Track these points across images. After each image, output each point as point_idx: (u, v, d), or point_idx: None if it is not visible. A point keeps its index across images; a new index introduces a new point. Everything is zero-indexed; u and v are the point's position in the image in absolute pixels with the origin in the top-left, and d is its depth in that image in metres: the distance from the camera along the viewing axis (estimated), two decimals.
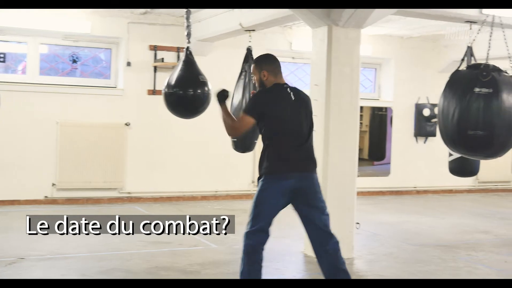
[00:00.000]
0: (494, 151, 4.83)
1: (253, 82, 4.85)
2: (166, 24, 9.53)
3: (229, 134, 4.75)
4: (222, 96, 4.72)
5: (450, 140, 5.00)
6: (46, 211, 8.31)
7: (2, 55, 9.17)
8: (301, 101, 4.63)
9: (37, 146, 8.95)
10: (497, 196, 11.78)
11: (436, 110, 11.19)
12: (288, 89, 4.62)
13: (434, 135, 11.21)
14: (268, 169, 4.48)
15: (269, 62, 4.67)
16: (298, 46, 10.26)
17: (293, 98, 4.57)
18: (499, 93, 4.75)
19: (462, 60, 5.75)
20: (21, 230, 7.17)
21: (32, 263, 5.74)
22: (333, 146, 6.24)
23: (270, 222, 4.55)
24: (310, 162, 4.56)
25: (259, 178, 4.55)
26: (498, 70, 4.89)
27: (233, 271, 5.67)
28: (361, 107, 8.48)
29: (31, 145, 8.94)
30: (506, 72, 4.94)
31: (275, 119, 4.46)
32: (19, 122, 8.86)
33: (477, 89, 4.80)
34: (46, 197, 8.99)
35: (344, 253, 6.15)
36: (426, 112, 11.29)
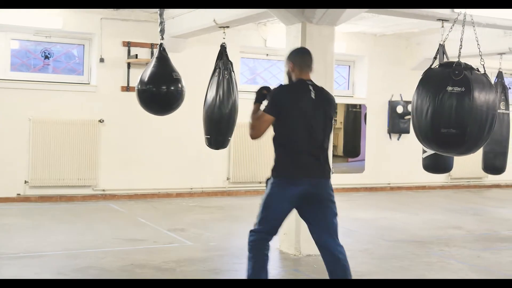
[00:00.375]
0: (467, 149, 4.89)
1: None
2: (139, 20, 9.47)
3: (250, 134, 4.44)
4: (260, 95, 4.42)
5: (424, 138, 5.05)
6: (19, 209, 8.21)
7: None
8: (322, 102, 4.35)
9: (9, 143, 8.83)
10: (469, 192, 11.94)
11: (409, 108, 11.33)
12: (311, 87, 4.36)
13: (407, 132, 11.32)
14: (277, 171, 4.31)
15: (298, 55, 4.48)
16: (273, 43, 10.27)
17: (313, 97, 4.30)
18: (471, 91, 4.81)
19: (435, 58, 5.80)
20: None
21: (5, 262, 5.67)
22: None
23: (277, 226, 4.35)
24: (322, 167, 4.28)
25: (268, 179, 4.36)
26: (470, 68, 4.95)
27: (209, 268, 5.67)
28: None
29: (3, 142, 8.82)
30: (478, 70, 5.00)
31: (290, 118, 4.23)
32: None
33: (449, 88, 4.85)
34: (18, 194, 8.88)
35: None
36: (400, 109, 11.39)
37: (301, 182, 4.20)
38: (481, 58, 5.43)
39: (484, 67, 5.17)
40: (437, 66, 5.24)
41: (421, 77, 5.19)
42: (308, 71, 4.43)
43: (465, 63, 5.00)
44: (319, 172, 4.26)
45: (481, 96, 4.83)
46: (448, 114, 4.81)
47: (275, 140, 4.37)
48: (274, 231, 4.36)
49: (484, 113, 4.83)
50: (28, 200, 8.95)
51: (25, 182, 8.94)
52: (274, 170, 4.33)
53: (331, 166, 4.38)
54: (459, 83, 4.84)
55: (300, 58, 4.45)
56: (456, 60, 4.97)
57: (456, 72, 4.88)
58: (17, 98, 8.89)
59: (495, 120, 4.94)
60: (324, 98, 4.40)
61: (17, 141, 8.90)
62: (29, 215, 8.03)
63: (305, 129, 4.23)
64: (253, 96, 10.96)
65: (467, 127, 4.78)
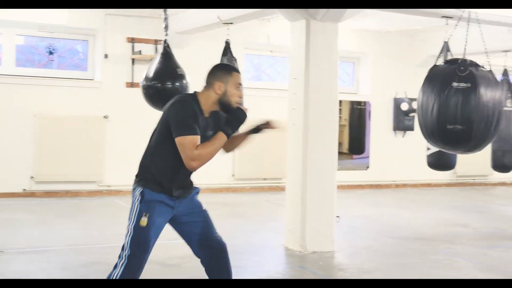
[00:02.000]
0: (473, 146, 4.88)
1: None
2: (143, 16, 9.46)
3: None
4: (257, 130, 3.99)
5: (430, 135, 5.04)
6: (25, 204, 8.22)
7: None
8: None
9: (14, 139, 8.85)
10: (475, 190, 11.92)
11: (414, 105, 11.31)
12: None
13: (412, 129, 11.30)
14: None
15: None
16: (277, 39, 10.25)
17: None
18: (477, 87, 4.79)
19: (439, 55, 5.79)
20: (0, 223, 7.14)
21: (11, 256, 5.68)
22: (312, 140, 6.24)
23: None
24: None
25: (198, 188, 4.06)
26: (475, 65, 4.94)
27: None
28: (340, 101, 8.52)
29: (8, 138, 8.84)
30: (483, 67, 4.99)
31: None
32: None
33: (455, 84, 4.84)
34: (24, 190, 8.90)
35: (325, 246, 6.25)
36: (404, 106, 11.37)
37: None
38: (487, 56, 5.42)
39: (489, 64, 5.15)
40: (443, 63, 5.23)
41: (426, 74, 5.18)
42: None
43: (470, 60, 4.99)
44: None
45: (487, 92, 4.82)
46: (454, 110, 4.79)
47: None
48: None
49: (491, 109, 4.81)
50: (34, 196, 8.97)
51: (31, 177, 8.96)
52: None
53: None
54: (465, 79, 4.83)
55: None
56: (460, 57, 4.96)
57: (462, 68, 4.87)
58: (22, 94, 8.91)
59: (502, 116, 4.93)
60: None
61: (23, 137, 8.91)
62: (35, 211, 8.04)
63: None
64: (258, 93, 10.91)
65: (473, 123, 4.77)
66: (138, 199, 3.72)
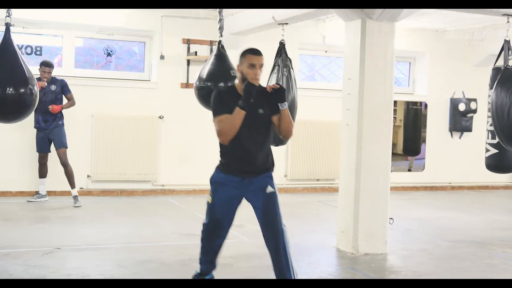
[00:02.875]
0: None
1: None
2: (199, 18, 9.56)
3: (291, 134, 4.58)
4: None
5: (507, 139, 4.88)
6: (81, 202, 8.42)
7: (38, 49, 9.32)
8: None
9: (72, 138, 9.04)
10: None
11: (472, 105, 11.06)
12: None
13: (470, 130, 11.06)
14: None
15: None
16: (332, 39, 10.19)
17: None
18: None
19: (499, 54, 5.63)
20: (57, 221, 7.33)
21: (67, 253, 5.83)
22: (367, 141, 6.19)
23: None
24: None
25: (271, 174, 4.57)
26: None
27: (265, 265, 5.66)
28: (395, 102, 8.39)
29: (67, 137, 9.05)
30: None
31: None
32: None
33: None
34: (81, 188, 9.11)
35: (378, 248, 6.18)
36: (462, 106, 11.13)
37: None
38: None
39: None
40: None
41: (499, 76, 5.02)
42: None
43: None
44: None
45: None
46: None
47: (269, 135, 4.56)
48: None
49: None
50: (90, 194, 9.18)
51: (88, 176, 9.17)
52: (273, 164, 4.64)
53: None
54: None
55: None
56: None
57: None
58: (81, 95, 9.11)
59: None
60: None
61: (80, 137, 9.13)
62: (91, 209, 8.23)
63: None
64: (312, 93, 10.84)
65: None
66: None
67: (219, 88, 4.51)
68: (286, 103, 4.36)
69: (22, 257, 5.58)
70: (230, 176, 4.42)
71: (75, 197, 8.38)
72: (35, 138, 8.48)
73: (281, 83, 6.94)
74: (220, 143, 4.43)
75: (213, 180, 4.51)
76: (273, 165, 4.58)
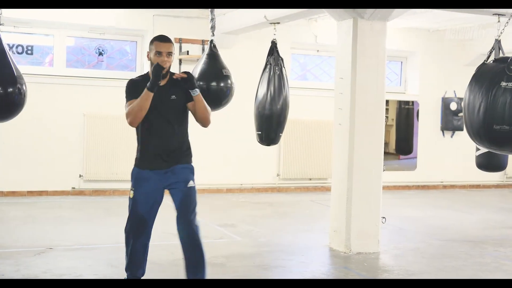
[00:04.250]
0: None
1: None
2: (191, 17, 9.54)
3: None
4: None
5: (476, 135, 4.92)
6: (73, 202, 8.39)
7: (29, 48, 9.27)
8: None
9: (64, 138, 9.04)
10: None
11: (463, 104, 11.09)
12: None
13: (461, 129, 11.08)
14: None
15: None
16: (323, 38, 10.20)
17: None
18: None
19: (490, 53, 5.65)
20: (49, 220, 7.31)
21: (60, 253, 5.81)
22: (359, 140, 6.20)
23: None
24: None
25: (192, 166, 4.53)
26: None
27: (258, 264, 5.68)
28: (387, 101, 8.42)
29: (58, 137, 9.04)
30: None
31: None
32: (47, 114, 8.96)
33: (503, 84, 4.71)
34: (73, 188, 9.09)
35: (370, 247, 6.19)
36: (453, 106, 11.18)
37: None
38: None
39: None
40: (492, 62, 5.11)
41: (474, 72, 5.07)
42: None
43: None
44: None
45: None
46: (502, 110, 4.68)
47: (186, 127, 4.61)
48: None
49: None
50: (82, 194, 9.15)
51: (80, 176, 9.15)
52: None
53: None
54: None
55: None
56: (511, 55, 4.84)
57: (511, 67, 4.74)
58: (72, 94, 9.10)
59: None
60: None
61: (72, 136, 9.10)
62: (83, 208, 8.21)
63: None
64: (304, 93, 10.85)
65: None
66: None
67: (132, 78, 4.50)
68: (197, 89, 4.35)
69: (14, 257, 5.55)
70: (151, 171, 4.38)
71: None
72: None
73: (273, 82, 6.93)
74: (137, 139, 4.48)
75: (134, 174, 4.46)
76: (191, 156, 4.55)
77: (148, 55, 4.41)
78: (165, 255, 5.84)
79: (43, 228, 6.91)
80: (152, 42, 4.40)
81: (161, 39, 4.39)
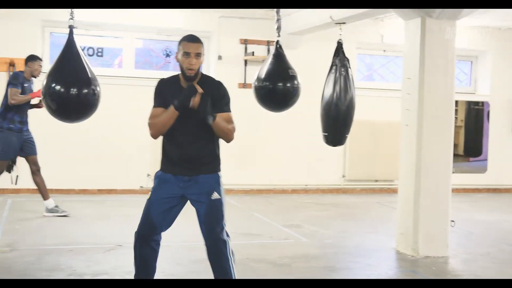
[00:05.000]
0: None
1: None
2: (256, 18, 9.58)
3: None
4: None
5: None
6: (141, 201, 8.54)
7: (99, 50, 9.54)
8: None
9: (133, 138, 9.23)
10: None
11: None
12: None
13: None
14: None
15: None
16: (390, 38, 10.06)
17: None
18: None
19: None
20: (118, 218, 7.48)
21: (128, 250, 5.87)
22: (427, 142, 6.08)
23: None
24: None
25: (218, 177, 4.11)
26: None
27: (324, 266, 5.65)
28: (456, 101, 8.21)
29: (127, 137, 9.24)
30: None
31: None
32: (116, 114, 9.17)
33: None
34: (141, 187, 9.27)
35: (439, 251, 6.06)
36: None
37: None
38: None
39: None
40: None
41: None
42: None
43: None
44: None
45: None
46: None
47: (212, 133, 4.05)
48: None
49: None
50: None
51: (148, 175, 9.32)
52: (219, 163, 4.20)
53: None
54: None
55: None
56: None
57: None
58: (141, 95, 9.26)
59: None
60: None
61: (141, 136, 9.23)
62: None
63: None
64: (370, 93, 10.74)
65: None
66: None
67: (162, 78, 4.24)
68: (210, 117, 3.89)
69: (85, 254, 5.72)
70: (173, 176, 4.05)
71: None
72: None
73: (339, 83, 6.88)
74: (162, 141, 4.13)
75: (157, 176, 4.19)
76: (219, 164, 4.15)
77: (176, 56, 4.09)
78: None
79: (112, 226, 7.09)
80: (180, 42, 4.09)
81: (190, 39, 4.07)
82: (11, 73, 8.55)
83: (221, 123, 3.98)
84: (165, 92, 4.07)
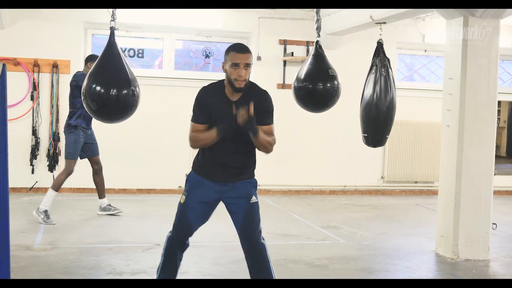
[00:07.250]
0: None
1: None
2: (295, 19, 9.57)
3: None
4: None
5: None
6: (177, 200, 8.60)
7: (140, 51, 9.65)
8: None
9: (172, 138, 9.31)
10: None
11: None
12: None
13: None
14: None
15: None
16: (431, 38, 9.93)
17: None
18: None
19: None
20: (157, 218, 7.55)
21: None
22: (468, 143, 5.98)
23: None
24: None
25: (255, 181, 4.16)
26: None
27: (362, 267, 5.61)
28: (499, 102, 8.07)
29: (167, 137, 9.33)
30: None
31: None
32: (156, 114, 9.27)
33: None
34: (180, 187, 9.34)
35: (479, 254, 5.95)
36: None
37: None
38: None
39: None
40: None
41: None
42: None
43: None
44: None
45: None
46: None
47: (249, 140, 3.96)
48: None
49: None
50: None
51: (186, 175, 9.37)
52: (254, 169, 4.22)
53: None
54: None
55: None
56: None
57: None
58: (180, 95, 9.35)
59: None
60: None
61: (180, 136, 9.32)
62: None
63: None
64: (411, 94, 10.61)
65: None
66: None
67: (206, 86, 4.03)
68: (251, 132, 3.80)
69: (125, 252, 5.79)
70: (207, 180, 4.00)
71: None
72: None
73: (379, 83, 6.81)
74: None
75: (190, 179, 4.10)
76: (254, 169, 4.16)
77: (223, 66, 3.92)
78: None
79: (151, 225, 7.16)
80: (227, 52, 3.89)
81: (238, 49, 3.86)
82: (55, 74, 8.73)
83: (262, 137, 3.89)
84: (209, 105, 3.91)
